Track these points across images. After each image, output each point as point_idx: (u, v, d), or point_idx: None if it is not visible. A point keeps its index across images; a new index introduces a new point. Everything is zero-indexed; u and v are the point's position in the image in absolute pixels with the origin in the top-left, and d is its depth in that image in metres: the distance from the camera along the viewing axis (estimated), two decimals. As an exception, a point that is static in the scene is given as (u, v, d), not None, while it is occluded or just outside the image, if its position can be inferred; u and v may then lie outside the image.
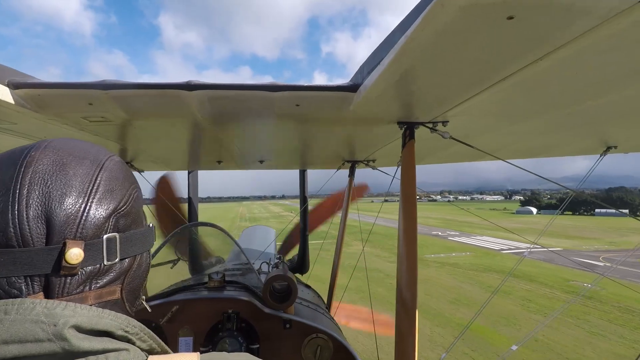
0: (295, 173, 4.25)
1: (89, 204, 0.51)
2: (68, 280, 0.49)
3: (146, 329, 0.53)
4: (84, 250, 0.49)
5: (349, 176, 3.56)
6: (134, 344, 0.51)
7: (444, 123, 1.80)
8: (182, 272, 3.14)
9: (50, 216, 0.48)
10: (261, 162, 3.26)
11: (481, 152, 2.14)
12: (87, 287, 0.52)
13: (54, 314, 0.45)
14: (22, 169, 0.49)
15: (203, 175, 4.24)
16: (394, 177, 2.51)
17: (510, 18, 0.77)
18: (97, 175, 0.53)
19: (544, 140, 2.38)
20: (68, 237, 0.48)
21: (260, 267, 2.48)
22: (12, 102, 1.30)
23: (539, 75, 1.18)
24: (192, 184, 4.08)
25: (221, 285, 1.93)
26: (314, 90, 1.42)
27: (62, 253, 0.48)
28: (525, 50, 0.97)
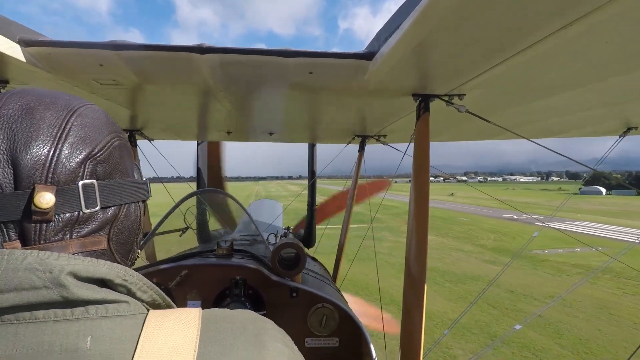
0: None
1: (58, 148, 0.49)
2: (43, 227, 0.48)
3: (145, 279, 0.52)
4: (56, 196, 0.48)
5: (358, 151, 3.53)
6: (134, 295, 0.50)
7: (460, 96, 1.75)
8: (190, 241, 3.20)
9: (17, 160, 0.46)
10: (271, 134, 3.24)
11: (498, 129, 2.09)
12: (67, 235, 0.50)
13: (47, 263, 0.44)
14: None
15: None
16: (405, 152, 2.48)
17: None
18: (68, 120, 0.51)
19: (563, 119, 2.31)
20: (38, 182, 0.47)
21: (267, 238, 2.50)
22: (24, 60, 1.28)
23: (564, 47, 1.13)
24: (201, 155, 4.09)
25: (229, 253, 1.96)
26: (328, 57, 1.38)
27: (31, 198, 0.46)
28: (553, 15, 0.92)
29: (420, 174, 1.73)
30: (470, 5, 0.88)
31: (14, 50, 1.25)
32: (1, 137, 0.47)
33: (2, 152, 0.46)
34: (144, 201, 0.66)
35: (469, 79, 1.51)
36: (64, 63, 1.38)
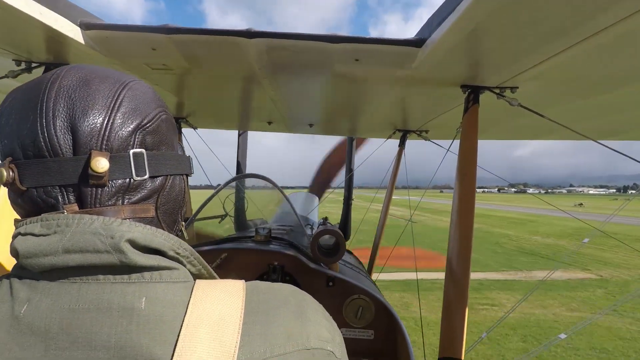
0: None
1: (111, 117, 0.51)
2: (99, 191, 0.51)
3: (196, 253, 0.54)
4: (110, 162, 0.50)
5: (399, 146, 3.45)
6: (184, 266, 0.52)
7: (513, 89, 1.66)
8: (228, 229, 3.27)
9: (75, 127, 0.49)
10: (310, 125, 3.23)
11: (550, 128, 1.97)
12: (120, 201, 0.53)
13: (111, 228, 0.47)
14: (49, 85, 0.51)
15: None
16: (448, 149, 2.39)
17: None
18: (120, 92, 0.53)
19: (626, 118, 2.13)
20: (94, 148, 0.50)
21: (304, 229, 2.50)
22: (83, 42, 1.35)
23: (632, 35, 1.03)
24: (242, 145, 4.15)
25: (267, 240, 1.97)
26: (376, 44, 1.35)
27: (88, 162, 0.49)
28: None
29: (467, 171, 1.66)
30: None
31: (75, 33, 1.32)
32: (62, 105, 0.49)
33: (62, 119, 0.49)
34: (187, 176, 0.68)
35: (524, 69, 1.42)
36: (119, 46, 1.44)
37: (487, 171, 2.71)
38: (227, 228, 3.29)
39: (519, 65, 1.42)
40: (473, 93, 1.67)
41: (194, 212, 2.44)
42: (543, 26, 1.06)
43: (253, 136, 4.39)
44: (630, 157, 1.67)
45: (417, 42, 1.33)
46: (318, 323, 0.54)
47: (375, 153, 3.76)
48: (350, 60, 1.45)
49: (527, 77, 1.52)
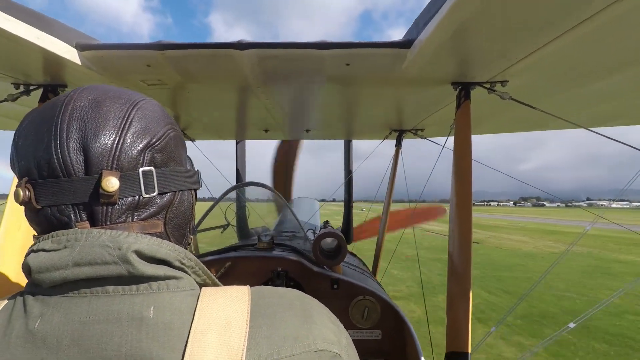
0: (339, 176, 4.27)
1: (122, 137, 0.53)
2: (109, 209, 0.52)
3: (200, 263, 0.56)
4: (120, 181, 0.52)
5: (395, 146, 3.48)
6: (189, 275, 0.54)
7: (503, 83, 1.69)
8: (230, 237, 3.29)
9: (87, 148, 0.51)
10: (307, 131, 3.26)
11: (544, 119, 1.99)
12: (130, 218, 0.54)
13: (118, 240, 0.49)
14: (63, 107, 0.53)
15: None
16: (444, 145, 2.41)
17: None
18: (130, 112, 0.55)
19: (618, 104, 2.15)
20: (105, 168, 0.51)
21: (306, 234, 2.52)
22: (80, 63, 1.38)
23: (625, 18, 1.05)
24: (240, 154, 4.17)
25: (270, 247, 1.99)
26: (365, 48, 1.38)
27: (99, 182, 0.50)
28: None
29: (462, 165, 1.68)
30: None
31: (72, 55, 1.35)
32: (75, 127, 0.51)
33: (75, 140, 0.51)
34: (195, 190, 0.69)
35: (513, 62, 1.45)
36: (114, 64, 1.47)
37: (496, 170, 2.72)
38: (229, 237, 3.31)
39: (507, 60, 1.44)
40: (464, 89, 1.69)
41: (195, 223, 2.46)
42: (528, 21, 1.09)
43: (253, 144, 4.39)
44: (613, 139, 1.69)
45: (405, 44, 1.36)
46: (324, 325, 0.54)
47: (375, 166, 3.79)
48: (341, 65, 1.48)
49: (517, 70, 1.54)
